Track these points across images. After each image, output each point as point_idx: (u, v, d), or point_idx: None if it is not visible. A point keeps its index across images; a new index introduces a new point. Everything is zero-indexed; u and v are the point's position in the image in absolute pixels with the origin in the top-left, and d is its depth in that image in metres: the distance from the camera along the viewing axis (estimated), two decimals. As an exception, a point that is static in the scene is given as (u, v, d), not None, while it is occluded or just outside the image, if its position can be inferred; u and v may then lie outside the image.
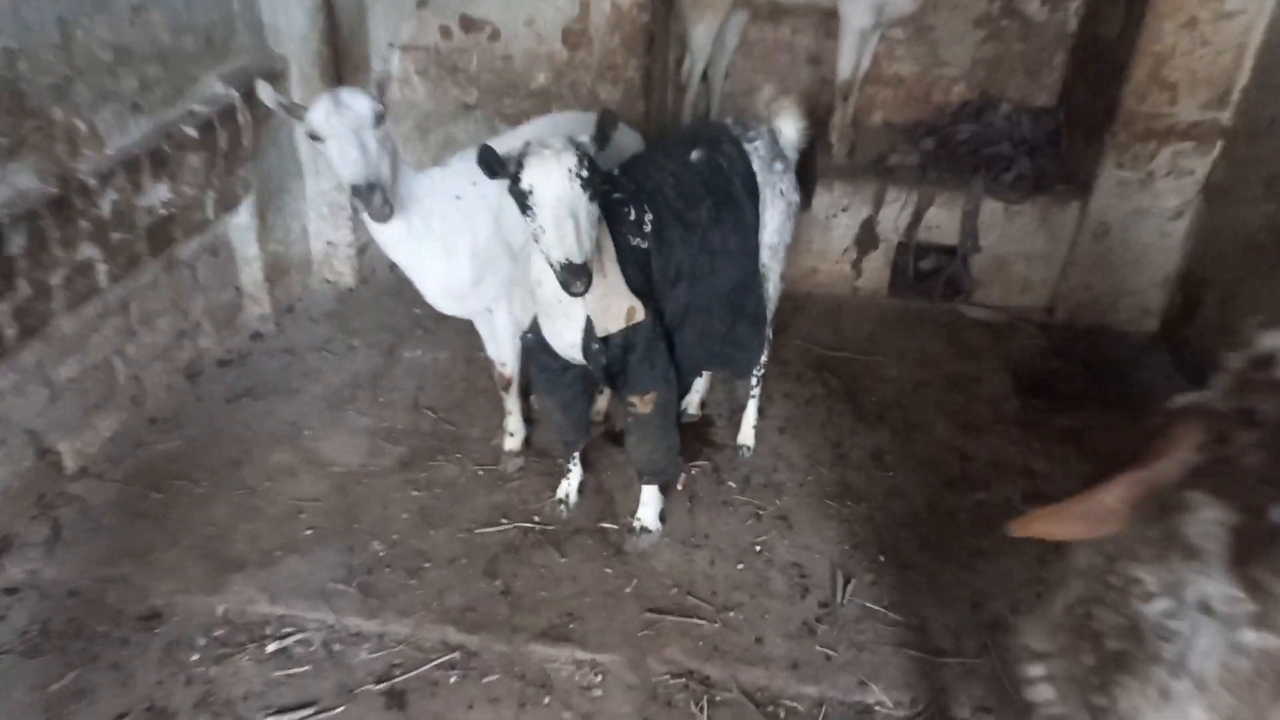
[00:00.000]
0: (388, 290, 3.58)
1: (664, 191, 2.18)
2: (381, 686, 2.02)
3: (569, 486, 2.57)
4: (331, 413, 2.93)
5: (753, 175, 2.32)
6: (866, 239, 3.72)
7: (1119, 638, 1.22)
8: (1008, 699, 2.02)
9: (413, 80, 3.60)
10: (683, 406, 2.95)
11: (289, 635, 2.13)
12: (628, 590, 2.31)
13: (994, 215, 3.60)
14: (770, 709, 2.02)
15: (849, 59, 3.62)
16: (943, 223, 3.65)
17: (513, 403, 2.66)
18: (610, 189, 2.09)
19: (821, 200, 3.67)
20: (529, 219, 1.79)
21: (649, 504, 2.47)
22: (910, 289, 3.77)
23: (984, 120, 4.02)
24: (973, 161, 3.80)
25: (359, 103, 1.93)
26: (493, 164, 1.79)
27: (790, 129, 2.53)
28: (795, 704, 2.04)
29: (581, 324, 2.04)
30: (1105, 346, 3.54)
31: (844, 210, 3.69)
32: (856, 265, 3.78)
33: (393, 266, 2.38)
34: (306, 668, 2.06)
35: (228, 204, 3.04)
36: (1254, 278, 3.04)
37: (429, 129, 3.69)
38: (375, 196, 1.91)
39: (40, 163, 2.33)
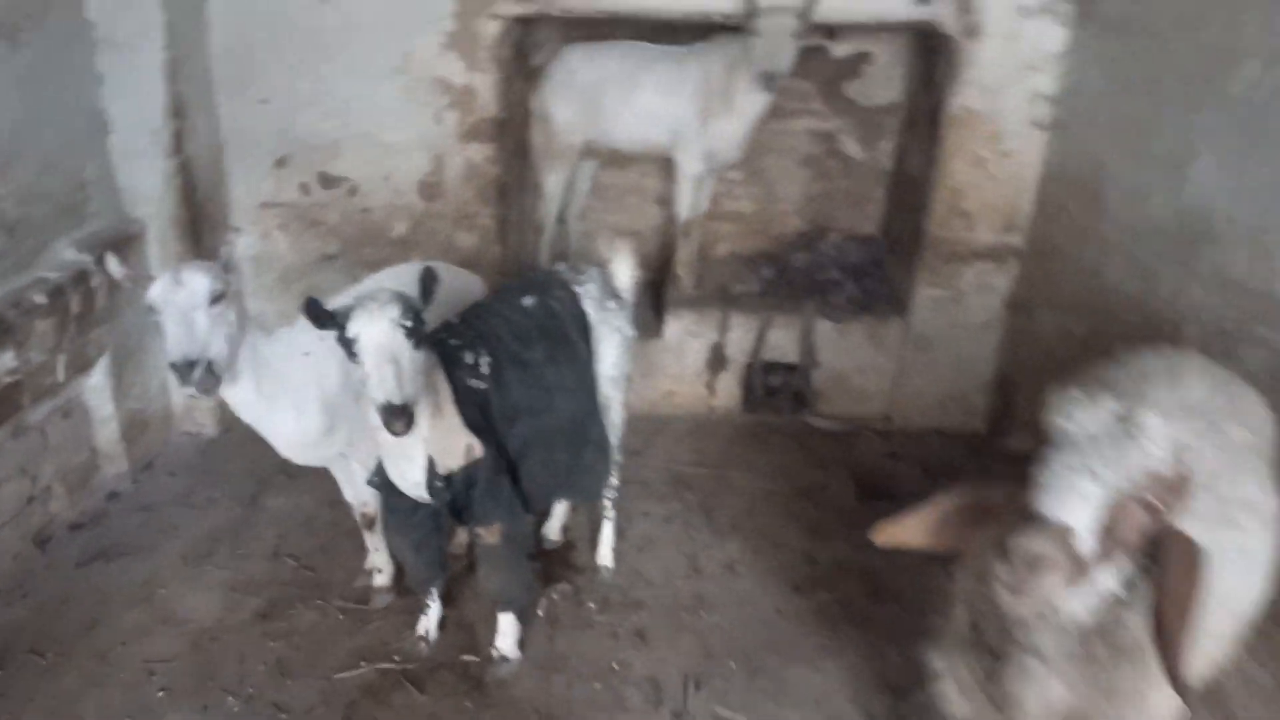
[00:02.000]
0: (251, 437, 3.59)
1: (500, 335, 2.36)
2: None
3: (428, 623, 2.62)
4: (190, 568, 2.91)
5: (583, 315, 2.53)
6: (717, 361, 3.99)
7: (998, 638, 1.59)
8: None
9: (274, 235, 3.75)
10: (543, 533, 3.07)
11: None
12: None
13: (828, 334, 3.93)
14: (625, 828, 2.09)
15: (686, 200, 3.95)
16: (784, 342, 3.95)
17: (378, 540, 2.73)
18: (447, 336, 2.27)
19: (674, 328, 3.94)
20: (356, 365, 1.94)
21: (506, 633, 2.54)
22: (760, 405, 4.04)
23: (815, 249, 4.42)
24: (807, 286, 4.17)
25: (197, 281, 2.04)
26: (319, 315, 1.94)
27: (623, 271, 2.77)
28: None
29: (423, 463, 2.16)
30: (938, 447, 3.86)
31: (694, 336, 3.96)
32: (710, 386, 4.03)
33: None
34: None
35: (80, 366, 3.06)
36: (1053, 379, 3.42)
37: (292, 280, 3.81)
38: (194, 373, 2.00)
39: (-121, 337, 2.35)
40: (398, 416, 1.89)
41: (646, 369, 3.86)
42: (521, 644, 2.59)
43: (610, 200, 4.65)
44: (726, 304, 4.02)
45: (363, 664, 2.53)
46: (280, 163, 3.65)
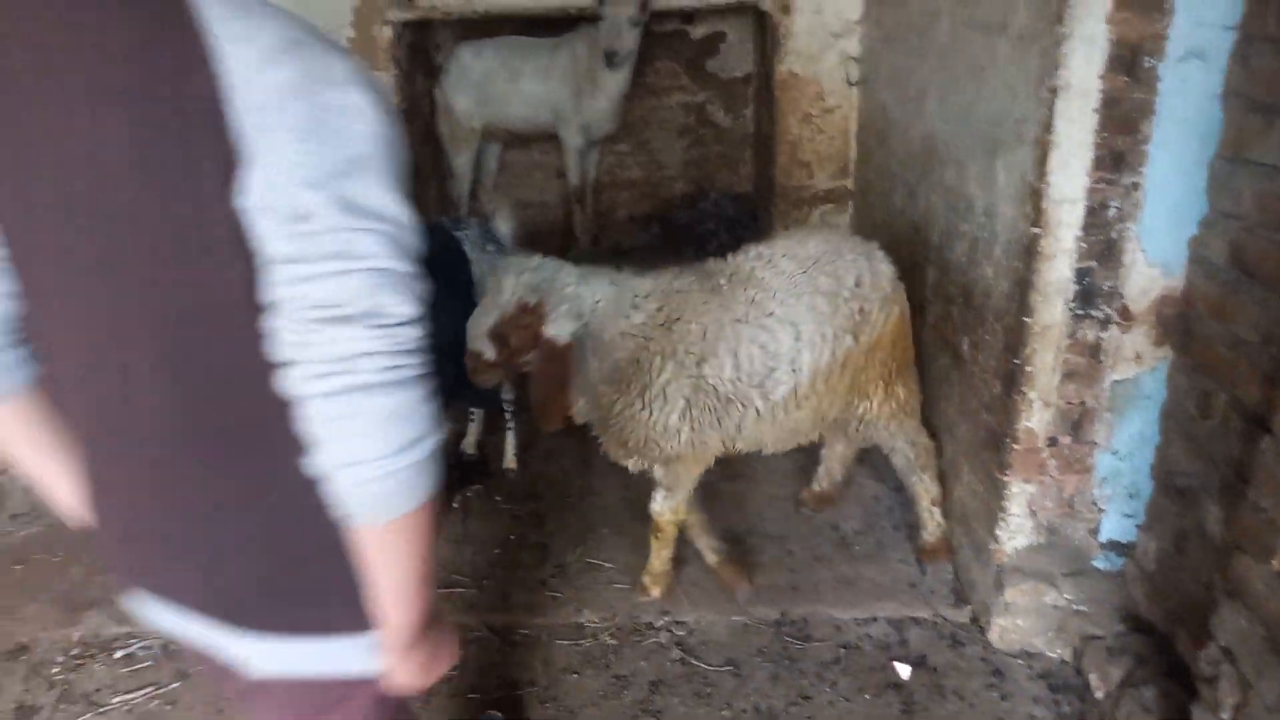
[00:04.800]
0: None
1: None
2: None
3: None
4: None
5: (464, 255, 3.19)
6: (612, 307, 4.65)
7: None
8: (679, 597, 2.81)
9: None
10: (462, 447, 3.73)
11: (132, 643, 2.72)
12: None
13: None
14: (507, 636, 2.75)
15: (574, 170, 4.62)
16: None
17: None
18: None
19: (572, 281, 4.59)
20: None
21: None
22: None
23: (696, 207, 5.10)
24: (688, 239, 4.85)
25: None
26: None
27: (502, 222, 3.43)
28: (526, 631, 2.77)
29: None
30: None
31: (591, 286, 4.61)
32: (608, 329, 4.69)
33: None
34: (149, 664, 2.66)
35: None
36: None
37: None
38: None
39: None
40: None
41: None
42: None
43: (518, 176, 5.30)
44: (619, 257, 4.68)
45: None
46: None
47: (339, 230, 0.91)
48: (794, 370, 2.46)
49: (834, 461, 3.24)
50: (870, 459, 3.45)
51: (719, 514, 3.22)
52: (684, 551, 3.00)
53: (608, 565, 3.04)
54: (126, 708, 2.51)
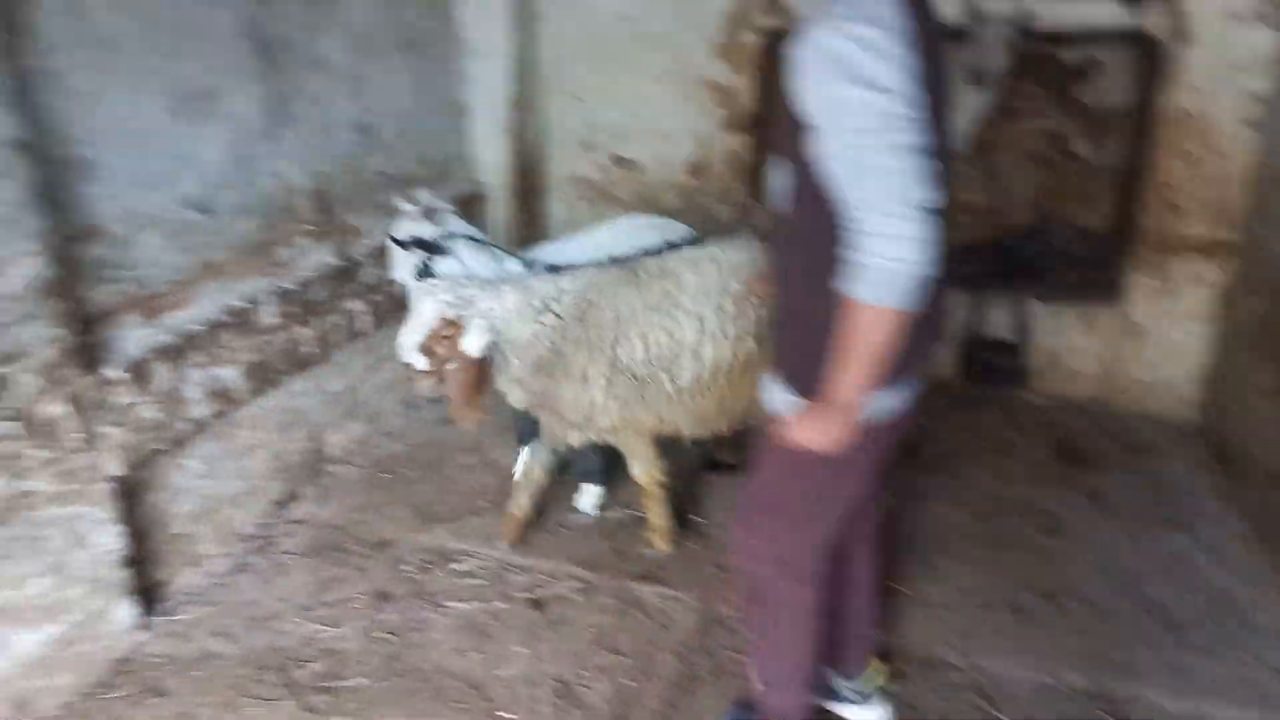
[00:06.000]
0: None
1: None
2: (527, 595, 2.94)
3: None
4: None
5: None
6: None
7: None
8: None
9: (577, 204, 4.78)
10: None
11: (468, 560, 3.09)
12: (704, 556, 3.14)
13: (1045, 316, 4.33)
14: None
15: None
16: (1003, 322, 4.41)
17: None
18: None
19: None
20: None
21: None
22: (977, 377, 4.48)
23: (1042, 238, 4.79)
24: (1029, 272, 4.58)
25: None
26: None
27: None
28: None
29: None
30: (1143, 430, 4.11)
31: (912, 307, 4.51)
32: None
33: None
34: (480, 580, 3.01)
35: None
36: (1258, 371, 3.59)
37: (585, 238, 4.83)
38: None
39: (333, 246, 3.56)
40: None
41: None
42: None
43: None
44: (953, 283, 4.52)
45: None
46: (586, 146, 4.67)
47: None
48: (696, 359, 2.73)
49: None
50: (1162, 501, 3.12)
51: (1024, 567, 3.07)
52: (991, 596, 2.89)
53: (905, 593, 2.98)
54: (460, 613, 2.86)
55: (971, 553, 3.18)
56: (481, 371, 2.57)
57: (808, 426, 1.76)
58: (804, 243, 1.76)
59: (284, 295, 3.27)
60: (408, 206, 3.01)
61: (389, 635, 2.76)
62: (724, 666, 2.65)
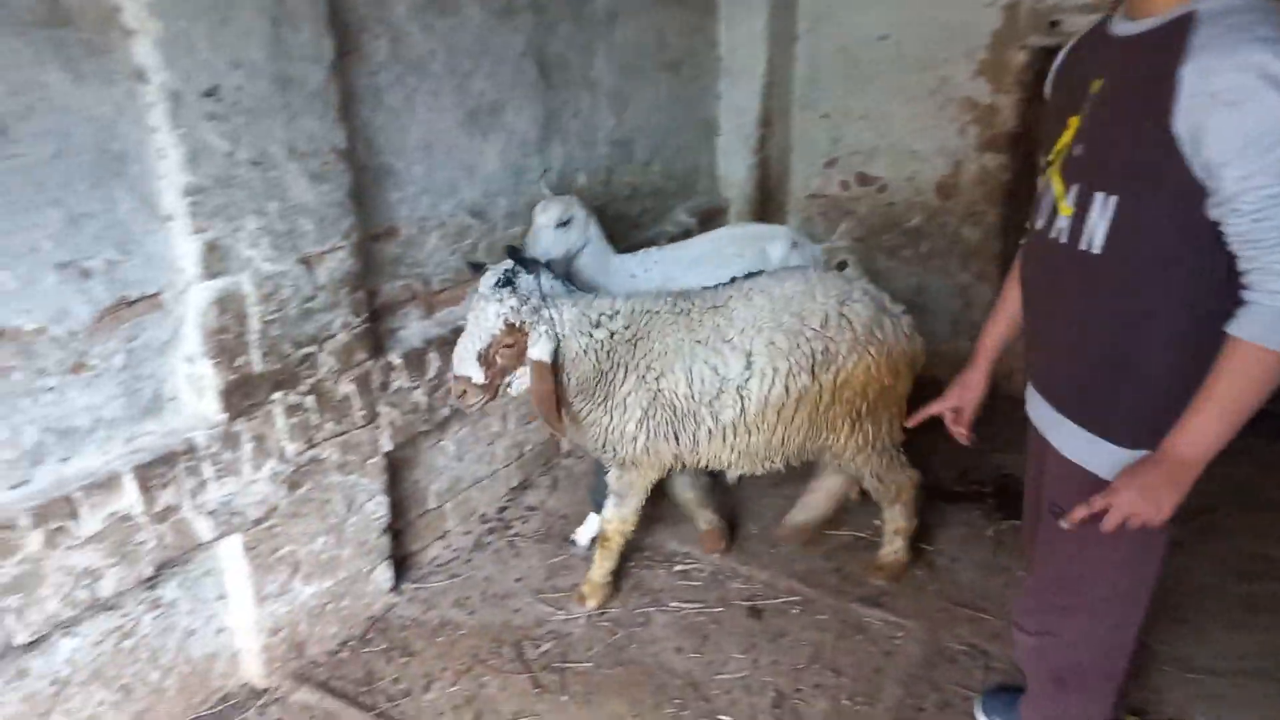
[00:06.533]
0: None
1: None
2: (747, 603, 2.98)
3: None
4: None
5: None
6: None
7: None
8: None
9: (814, 219, 4.78)
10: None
11: (690, 564, 3.17)
12: (932, 587, 3.05)
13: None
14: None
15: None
16: None
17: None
18: None
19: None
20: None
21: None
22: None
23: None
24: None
25: (553, 209, 3.03)
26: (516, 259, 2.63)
27: None
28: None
29: None
30: None
31: None
32: None
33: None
34: (698, 583, 3.08)
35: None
36: None
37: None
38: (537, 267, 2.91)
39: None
40: None
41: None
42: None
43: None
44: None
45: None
46: (829, 163, 4.66)
47: None
48: (740, 395, 2.63)
49: (819, 494, 3.13)
50: None
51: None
52: (1252, 663, 2.60)
53: (1162, 651, 2.74)
54: (680, 613, 2.95)
55: (1231, 615, 2.89)
56: (553, 380, 2.51)
57: (1142, 487, 1.60)
58: (1130, 281, 1.62)
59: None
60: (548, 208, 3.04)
61: (612, 626, 2.90)
62: (950, 702, 2.56)
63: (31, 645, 2.08)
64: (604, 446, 2.74)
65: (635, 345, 2.61)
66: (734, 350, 2.63)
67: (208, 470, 2.31)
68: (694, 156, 4.46)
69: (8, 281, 1.92)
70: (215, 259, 2.25)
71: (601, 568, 2.95)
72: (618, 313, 2.62)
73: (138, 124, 2.08)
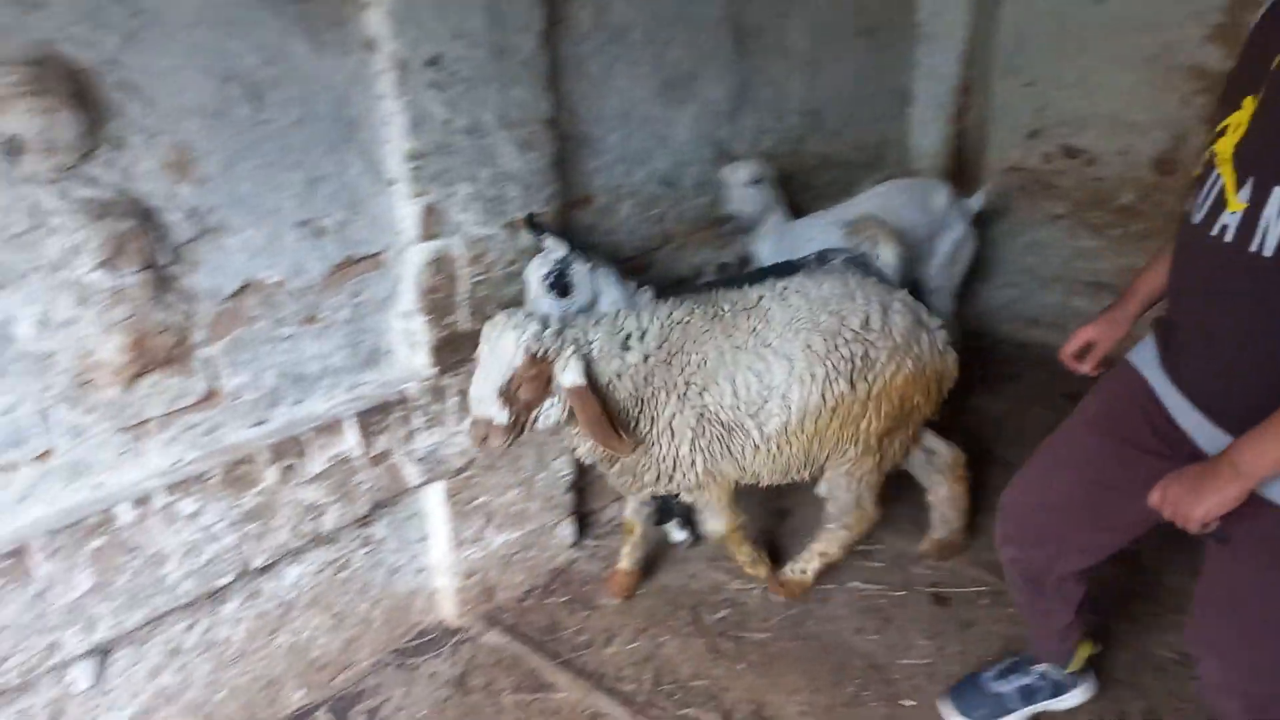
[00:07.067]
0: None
1: None
2: (931, 589, 2.89)
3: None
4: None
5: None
6: None
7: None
8: None
9: (1012, 193, 4.52)
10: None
11: (871, 544, 3.10)
12: (1139, 591, 2.85)
13: None
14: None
15: None
16: None
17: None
18: None
19: None
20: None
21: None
22: None
23: None
24: None
25: (747, 169, 3.22)
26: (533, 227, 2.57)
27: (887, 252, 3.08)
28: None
29: None
30: None
31: None
32: None
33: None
34: (880, 564, 3.02)
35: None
36: None
37: (1018, 234, 4.56)
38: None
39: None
40: None
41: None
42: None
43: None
44: None
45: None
46: (1032, 135, 4.38)
47: None
48: (785, 404, 2.44)
49: (943, 506, 2.96)
50: None
51: None
52: None
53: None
54: (860, 593, 2.91)
55: None
56: (597, 402, 2.20)
57: (1194, 477, 1.48)
58: None
59: (721, 268, 3.50)
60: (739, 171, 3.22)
61: (790, 600, 2.88)
62: (1156, 711, 2.40)
63: (265, 569, 2.29)
64: (659, 478, 2.49)
65: (670, 363, 2.36)
66: (776, 355, 2.43)
67: (417, 420, 2.46)
68: (884, 127, 4.31)
69: (256, 238, 2.10)
70: (432, 222, 2.38)
71: (744, 556, 2.83)
72: (646, 330, 2.35)
73: (367, 92, 2.22)
